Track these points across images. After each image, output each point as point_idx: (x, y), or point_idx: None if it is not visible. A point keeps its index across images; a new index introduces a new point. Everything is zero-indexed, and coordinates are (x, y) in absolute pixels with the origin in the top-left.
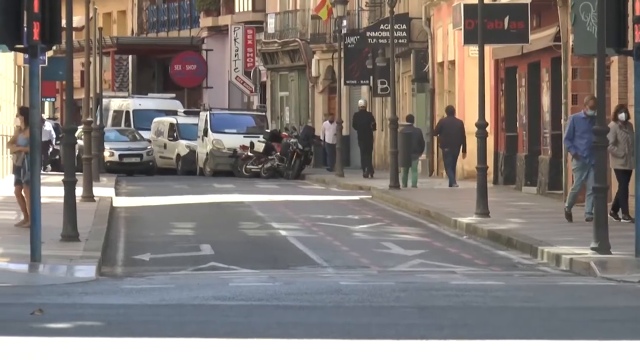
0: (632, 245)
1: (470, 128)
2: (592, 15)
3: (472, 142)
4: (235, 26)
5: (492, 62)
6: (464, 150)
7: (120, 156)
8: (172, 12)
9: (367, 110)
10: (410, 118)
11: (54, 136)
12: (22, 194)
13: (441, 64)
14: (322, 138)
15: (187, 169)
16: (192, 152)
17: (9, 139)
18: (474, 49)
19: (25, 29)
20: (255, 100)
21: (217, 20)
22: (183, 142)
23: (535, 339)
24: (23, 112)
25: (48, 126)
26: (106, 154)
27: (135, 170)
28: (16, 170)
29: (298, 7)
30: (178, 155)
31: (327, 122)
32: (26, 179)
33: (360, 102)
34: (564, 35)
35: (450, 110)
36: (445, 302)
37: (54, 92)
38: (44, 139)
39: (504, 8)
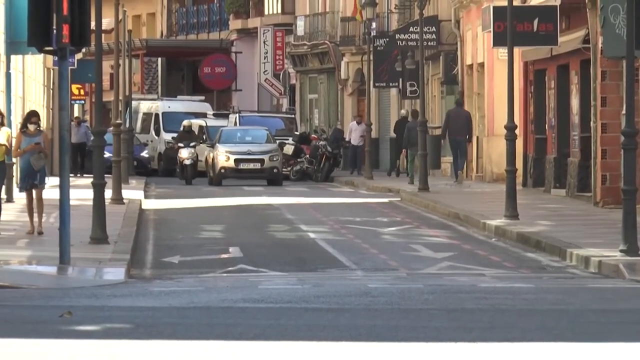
0: None
1: (500, 130)
2: (621, 17)
3: (501, 145)
4: (265, 28)
5: (522, 65)
6: (470, 140)
7: (237, 161)
8: (202, 14)
9: (408, 119)
10: (415, 113)
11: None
12: (34, 199)
13: (470, 67)
14: (347, 139)
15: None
16: None
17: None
18: (503, 51)
19: (54, 31)
20: (285, 102)
21: (246, 22)
22: None
23: (564, 341)
24: (35, 115)
25: (84, 128)
26: (221, 158)
27: (255, 178)
28: (31, 174)
29: (327, 10)
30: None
31: (355, 122)
32: (42, 183)
33: (402, 112)
34: (593, 37)
35: (459, 102)
36: (473, 304)
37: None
38: (81, 140)
39: (533, 10)
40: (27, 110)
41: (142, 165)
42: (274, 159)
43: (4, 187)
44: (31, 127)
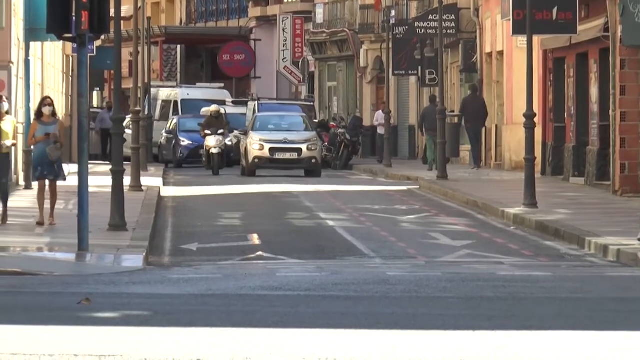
0: None
1: (519, 119)
2: None
3: (520, 133)
4: (284, 16)
5: (541, 53)
6: (484, 126)
7: (272, 150)
8: (221, 1)
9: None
10: (432, 98)
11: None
12: (49, 191)
13: (489, 55)
14: (375, 124)
15: (236, 159)
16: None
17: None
18: (522, 40)
19: (73, 18)
20: (304, 90)
21: (265, 10)
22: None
23: (583, 330)
24: (48, 98)
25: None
26: (254, 147)
27: (292, 168)
28: (44, 164)
29: None
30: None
31: (380, 112)
32: (59, 176)
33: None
34: (612, 26)
35: (474, 89)
36: (492, 292)
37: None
38: (106, 126)
39: None
40: None
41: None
42: (313, 148)
43: (21, 175)
44: (46, 111)
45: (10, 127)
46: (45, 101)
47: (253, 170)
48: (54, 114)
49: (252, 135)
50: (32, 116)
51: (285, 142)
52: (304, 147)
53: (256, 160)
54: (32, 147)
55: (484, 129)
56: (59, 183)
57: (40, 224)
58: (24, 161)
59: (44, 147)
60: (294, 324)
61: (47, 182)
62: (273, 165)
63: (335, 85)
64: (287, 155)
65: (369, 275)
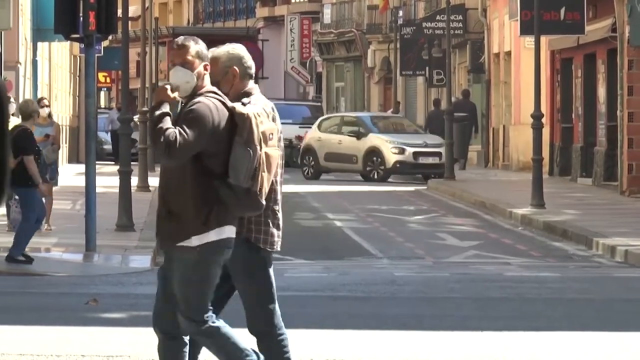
0: None
1: (526, 119)
2: None
3: (527, 134)
4: (291, 16)
5: (548, 53)
6: (476, 131)
7: (415, 154)
8: (228, 2)
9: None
10: (437, 102)
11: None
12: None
13: (497, 55)
14: None
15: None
16: None
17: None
18: (530, 40)
19: (81, 18)
20: (311, 90)
21: (273, 10)
22: None
23: (590, 330)
24: (45, 102)
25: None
26: (393, 150)
27: (433, 174)
28: (40, 166)
29: None
30: None
31: (390, 112)
32: (53, 179)
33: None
34: (620, 26)
35: (465, 93)
36: (500, 293)
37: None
38: (116, 127)
39: None
40: (53, 98)
41: None
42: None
43: None
44: (42, 113)
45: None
46: (42, 102)
47: (388, 175)
48: (50, 115)
49: (383, 137)
50: None
51: (426, 146)
52: (442, 150)
53: (397, 165)
54: None
55: (483, 130)
56: (60, 184)
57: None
58: None
59: (41, 148)
60: (301, 325)
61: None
62: (415, 170)
63: (342, 85)
64: (430, 160)
65: (377, 276)
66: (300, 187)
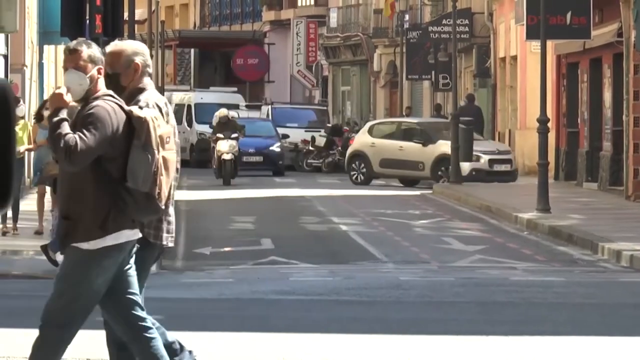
0: None
1: (532, 124)
2: None
3: (533, 138)
4: (298, 20)
5: (554, 58)
6: (482, 135)
7: (490, 162)
8: (235, 5)
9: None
10: (437, 107)
11: None
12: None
13: (503, 59)
14: None
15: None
16: None
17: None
18: (536, 45)
19: (87, 21)
20: (317, 94)
21: (279, 14)
22: None
23: (596, 335)
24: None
25: None
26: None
27: (506, 181)
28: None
29: (360, 2)
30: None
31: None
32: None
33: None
34: (626, 31)
35: (470, 97)
36: (505, 298)
37: None
38: None
39: (566, 3)
40: None
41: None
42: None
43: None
44: (46, 114)
45: (24, 132)
46: (46, 105)
47: (461, 180)
48: None
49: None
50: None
51: (499, 153)
52: (512, 157)
53: (473, 173)
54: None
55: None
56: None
57: (39, 233)
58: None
59: (45, 151)
60: (306, 329)
61: (47, 188)
62: (490, 177)
63: (348, 89)
64: (503, 167)
65: (382, 280)
66: (305, 191)
